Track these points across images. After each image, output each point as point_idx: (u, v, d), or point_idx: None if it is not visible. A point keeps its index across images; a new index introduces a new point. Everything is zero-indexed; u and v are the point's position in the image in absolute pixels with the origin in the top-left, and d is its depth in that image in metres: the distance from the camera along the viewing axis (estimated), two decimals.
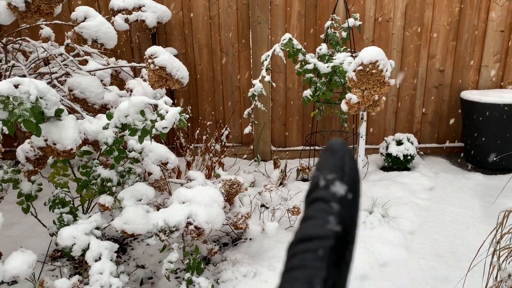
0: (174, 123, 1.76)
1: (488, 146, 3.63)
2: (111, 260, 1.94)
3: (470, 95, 3.64)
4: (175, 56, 3.68)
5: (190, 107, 3.66)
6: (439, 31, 3.81)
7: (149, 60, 2.53)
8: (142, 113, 1.79)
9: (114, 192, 2.19)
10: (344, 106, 2.71)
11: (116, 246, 1.99)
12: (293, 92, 3.97)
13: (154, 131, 1.73)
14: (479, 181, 3.45)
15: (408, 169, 3.74)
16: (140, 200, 2.18)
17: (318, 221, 0.30)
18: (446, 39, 3.83)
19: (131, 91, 3.02)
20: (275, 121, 4.06)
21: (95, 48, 3.06)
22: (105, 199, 2.09)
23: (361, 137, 2.87)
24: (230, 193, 2.29)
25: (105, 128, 2.01)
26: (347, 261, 0.30)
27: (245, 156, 4.02)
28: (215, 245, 2.49)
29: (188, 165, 3.38)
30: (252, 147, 4.08)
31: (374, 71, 2.49)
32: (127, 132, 1.95)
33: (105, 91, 2.76)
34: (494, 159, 3.65)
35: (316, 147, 3.90)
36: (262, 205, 2.96)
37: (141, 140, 1.87)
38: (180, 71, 2.59)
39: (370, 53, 2.48)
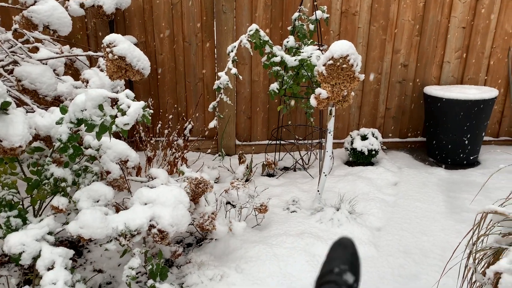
0: (136, 119, 1.61)
1: (449, 141, 3.68)
2: (65, 268, 1.77)
3: (433, 90, 3.67)
4: (134, 45, 3.48)
5: (151, 100, 3.48)
6: (404, 26, 3.81)
7: (107, 49, 2.34)
8: (101, 107, 1.63)
9: (69, 192, 2.01)
10: (313, 101, 2.64)
11: (71, 252, 1.82)
12: (258, 85, 3.87)
13: (114, 127, 1.58)
14: (441, 176, 3.49)
15: (372, 164, 3.74)
16: (97, 201, 2.01)
17: None
18: (410, 34, 3.84)
19: (87, 82, 2.81)
20: (240, 115, 3.95)
21: (47, 35, 2.82)
22: (59, 201, 1.91)
23: (329, 132, 2.81)
24: (196, 193, 2.16)
25: (58, 123, 1.83)
26: None
27: (209, 150, 3.89)
28: (179, 246, 2.37)
29: (149, 160, 3.21)
30: (216, 141, 3.96)
31: (344, 65, 2.43)
32: (83, 127, 1.78)
33: (59, 82, 2.55)
34: (455, 154, 3.71)
35: (282, 142, 3.83)
36: (228, 203, 2.85)
37: (98, 137, 1.71)
38: (141, 61, 2.43)
39: (341, 47, 2.41)
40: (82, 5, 2.97)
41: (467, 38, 3.89)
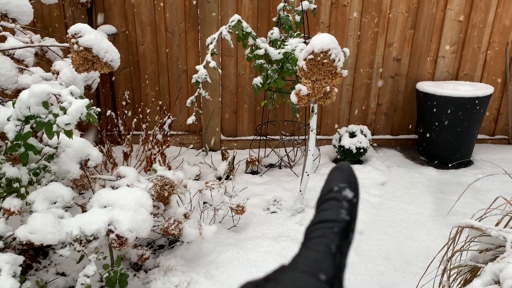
0: (80, 118, 1.48)
1: (441, 139, 3.54)
2: (13, 276, 1.65)
3: (425, 86, 3.52)
4: (114, 34, 3.34)
5: (128, 92, 3.32)
6: (397, 18, 3.64)
7: (73, 40, 2.20)
8: (46, 104, 1.49)
9: (23, 193, 1.88)
10: (293, 98, 2.50)
11: (20, 258, 1.70)
12: (244, 78, 3.72)
13: (55, 127, 1.44)
14: (431, 176, 3.36)
15: (361, 162, 3.60)
16: (54, 203, 1.89)
17: (332, 211, 0.39)
18: (404, 27, 3.68)
19: (58, 73, 2.67)
20: (225, 109, 3.81)
21: (6, 22, 2.67)
22: (11, 203, 1.79)
23: (312, 130, 2.67)
24: (161, 195, 2.03)
25: (9, 119, 1.69)
26: (350, 241, 0.40)
27: (191, 146, 3.75)
28: (148, 249, 2.25)
29: (126, 156, 3.08)
30: (200, 135, 3.82)
31: (325, 60, 2.28)
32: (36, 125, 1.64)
33: (20, 74, 2.41)
34: (447, 153, 3.57)
35: (268, 137, 3.70)
36: (205, 202, 2.73)
37: (49, 135, 1.58)
38: (109, 53, 2.28)
39: (322, 41, 2.26)
40: None
41: (463, 32, 3.72)
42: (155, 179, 2.16)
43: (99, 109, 1.58)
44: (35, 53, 2.81)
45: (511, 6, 3.64)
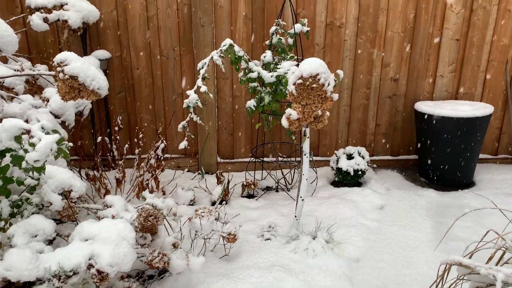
0: (51, 154, 1.44)
1: (442, 160, 3.46)
2: None
3: (424, 106, 3.46)
4: (108, 59, 3.34)
5: (121, 118, 3.29)
6: (393, 38, 3.61)
7: (58, 68, 2.19)
8: (18, 139, 1.46)
9: (4, 227, 1.84)
10: (284, 122, 2.45)
11: None
12: (240, 100, 3.69)
13: (24, 163, 1.41)
14: (431, 199, 3.27)
15: (360, 184, 3.53)
16: (35, 236, 1.84)
17: None
18: (400, 47, 3.64)
19: (48, 100, 2.66)
20: (221, 131, 3.77)
21: None
22: None
23: (305, 154, 2.61)
24: (145, 227, 1.98)
25: None
26: None
27: (187, 169, 3.71)
28: (135, 281, 2.18)
29: (118, 182, 3.04)
30: (197, 158, 3.78)
31: (314, 85, 2.24)
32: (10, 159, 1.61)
33: (10, 102, 2.40)
34: (448, 174, 3.49)
35: (265, 159, 3.65)
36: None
37: (25, 169, 1.54)
38: (96, 80, 2.26)
39: (311, 66, 2.22)
40: (46, 20, 2.83)
41: (462, 50, 3.67)
42: (140, 209, 2.11)
43: (71, 144, 1.55)
44: (26, 80, 2.81)
45: (509, 25, 3.60)
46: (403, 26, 3.58)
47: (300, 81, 2.26)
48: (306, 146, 2.60)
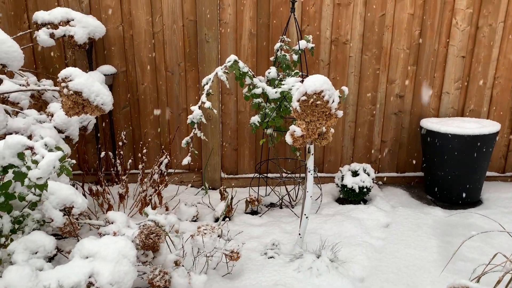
0: (53, 171, 1.43)
1: (448, 178, 3.42)
2: None
3: (429, 123, 3.43)
4: (113, 74, 3.36)
5: (124, 133, 3.29)
6: (399, 55, 3.60)
7: (63, 84, 2.20)
8: (21, 156, 1.45)
9: (4, 243, 1.83)
10: (288, 139, 2.44)
11: None
12: (245, 115, 3.69)
13: (27, 181, 1.40)
14: (438, 217, 3.22)
15: (365, 201, 3.49)
16: (36, 253, 1.82)
17: None
18: (406, 63, 3.63)
19: (52, 115, 2.67)
20: (225, 146, 3.76)
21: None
22: None
23: (309, 171, 2.59)
24: (147, 244, 1.95)
25: None
26: None
27: (190, 184, 3.69)
28: None
29: (121, 198, 3.02)
30: (201, 173, 3.76)
31: (318, 102, 2.23)
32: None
33: (14, 117, 2.40)
34: (454, 192, 3.44)
35: (269, 175, 3.62)
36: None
37: (28, 186, 1.53)
38: (100, 96, 2.27)
39: (315, 83, 2.22)
40: (52, 35, 2.85)
41: (468, 67, 3.66)
42: (142, 226, 2.09)
43: (74, 161, 1.54)
44: (32, 95, 2.82)
45: None
46: (408, 43, 3.58)
47: (304, 98, 2.25)
48: (310, 163, 2.57)
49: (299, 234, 2.72)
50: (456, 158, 3.32)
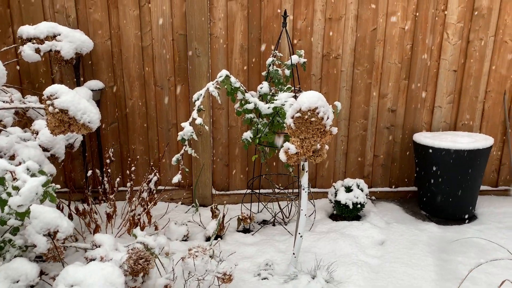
0: (36, 198, 1.34)
1: (442, 193, 3.38)
2: None
3: (422, 138, 3.40)
4: (101, 89, 3.28)
5: (112, 150, 3.19)
6: (390, 69, 3.58)
7: (48, 102, 2.11)
8: (1, 181, 1.36)
9: None
10: (282, 156, 2.37)
11: None
12: (236, 130, 3.62)
13: (7, 209, 1.31)
14: (433, 234, 3.17)
15: (359, 218, 3.43)
16: (17, 282, 1.72)
17: None
18: (397, 77, 3.61)
19: (37, 133, 2.57)
20: (216, 162, 3.68)
21: None
22: None
23: (303, 189, 2.53)
24: (135, 270, 1.86)
25: None
26: None
27: (180, 202, 3.59)
28: None
29: (109, 217, 2.92)
30: (191, 190, 3.67)
31: (313, 119, 2.17)
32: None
33: (2, 134, 2.31)
34: (449, 207, 3.40)
35: (261, 191, 3.55)
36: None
37: (9, 213, 1.44)
38: (87, 114, 2.19)
39: (309, 99, 2.16)
40: (38, 51, 2.77)
41: (459, 81, 3.65)
42: (130, 250, 1.99)
43: (58, 186, 1.45)
44: (16, 112, 2.72)
45: (506, 56, 3.59)
46: (400, 57, 3.56)
47: (298, 114, 2.20)
48: (304, 180, 2.51)
49: (293, 253, 2.64)
50: (450, 173, 3.29)
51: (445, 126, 3.74)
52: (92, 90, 3.17)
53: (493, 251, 2.92)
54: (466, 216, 3.43)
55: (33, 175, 1.39)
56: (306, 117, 2.18)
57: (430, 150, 3.31)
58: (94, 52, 3.31)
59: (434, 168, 3.34)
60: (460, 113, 3.71)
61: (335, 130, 2.28)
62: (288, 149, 2.31)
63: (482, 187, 3.80)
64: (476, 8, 3.48)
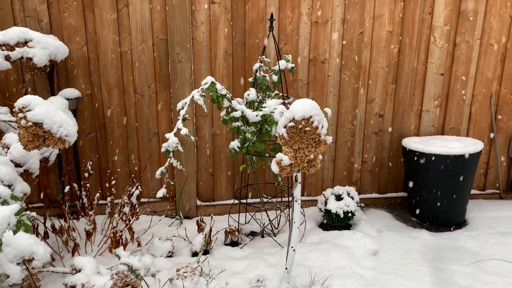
0: (8, 229, 1.18)
1: (433, 199, 3.32)
2: None
3: (412, 143, 3.34)
4: (78, 98, 3.09)
5: (91, 163, 3.00)
6: (378, 73, 3.51)
7: (20, 114, 1.94)
8: None
9: None
10: (274, 168, 2.25)
11: None
12: (221, 138, 3.48)
13: None
14: (425, 241, 3.10)
15: (350, 226, 3.33)
16: None
17: None
18: (385, 82, 3.54)
19: (8, 148, 2.38)
20: (201, 172, 3.53)
21: None
22: None
23: (296, 201, 2.41)
24: None
25: None
26: None
27: (164, 215, 3.43)
28: None
29: (88, 235, 2.74)
30: (174, 202, 3.51)
31: (307, 128, 2.06)
32: None
33: None
34: (440, 213, 3.34)
35: (249, 201, 3.42)
36: None
37: None
38: (64, 127, 2.02)
39: (303, 107, 2.05)
40: (8, 58, 2.57)
41: (447, 85, 3.60)
42: (115, 274, 1.83)
43: (34, 214, 1.29)
44: None
45: (492, 59, 3.57)
46: (387, 61, 3.49)
47: (292, 123, 2.08)
48: (297, 192, 2.39)
49: (286, 268, 2.52)
50: (441, 179, 3.23)
51: (433, 130, 3.69)
52: (67, 99, 2.98)
53: (488, 258, 2.86)
54: (457, 222, 3.38)
55: (4, 202, 1.22)
56: (300, 126, 2.06)
57: (421, 156, 3.25)
58: (69, 58, 3.12)
59: (425, 174, 3.28)
60: (448, 117, 3.67)
61: (329, 139, 2.17)
62: (281, 160, 2.19)
63: (471, 191, 3.77)
64: (463, 11, 3.44)
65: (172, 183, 2.63)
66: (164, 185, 2.59)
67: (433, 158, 3.19)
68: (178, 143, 2.50)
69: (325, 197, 3.32)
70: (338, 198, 3.26)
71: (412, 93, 3.59)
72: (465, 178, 3.25)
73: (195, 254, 2.94)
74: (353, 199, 3.27)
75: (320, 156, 2.28)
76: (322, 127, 2.11)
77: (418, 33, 3.46)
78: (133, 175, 3.40)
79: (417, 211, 3.46)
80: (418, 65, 3.53)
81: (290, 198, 3.31)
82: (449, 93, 3.62)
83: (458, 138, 3.48)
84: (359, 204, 3.39)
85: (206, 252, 2.96)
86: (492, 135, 3.72)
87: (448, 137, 3.55)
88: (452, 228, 3.31)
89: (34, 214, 1.39)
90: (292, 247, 2.47)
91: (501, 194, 3.86)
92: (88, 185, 2.89)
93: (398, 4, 3.38)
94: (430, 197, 3.32)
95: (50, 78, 3.04)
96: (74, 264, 1.96)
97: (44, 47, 2.66)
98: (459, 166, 3.18)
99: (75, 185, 2.95)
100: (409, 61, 3.51)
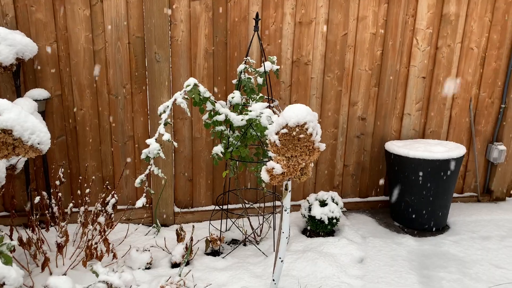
0: None
1: (416, 204, 3.29)
2: None
3: (395, 147, 3.30)
4: (46, 99, 2.87)
5: (62, 170, 2.78)
6: (361, 76, 3.45)
7: None
8: None
9: None
10: (265, 176, 2.13)
11: None
12: (201, 142, 3.33)
13: None
14: (411, 247, 3.06)
15: (333, 232, 3.26)
16: None
17: None
18: (368, 84, 3.48)
19: None
20: (179, 177, 3.37)
21: None
22: None
23: (285, 210, 2.29)
24: None
25: None
26: None
27: (141, 223, 3.25)
28: None
29: (60, 248, 2.53)
30: (151, 209, 3.33)
31: (302, 135, 1.95)
32: None
33: None
34: (423, 218, 3.32)
35: (230, 208, 3.29)
36: None
37: None
38: (36, 133, 1.84)
39: (297, 113, 1.94)
40: None
41: (428, 88, 3.59)
42: None
43: (14, 243, 1.12)
44: None
45: (472, 63, 3.58)
46: (370, 64, 3.44)
47: (285, 130, 1.97)
48: (287, 201, 2.28)
49: (273, 280, 2.41)
50: (425, 183, 3.20)
51: (414, 134, 3.67)
52: (36, 100, 2.75)
53: (473, 263, 2.85)
54: (440, 227, 3.37)
55: None
56: (294, 133, 1.95)
57: (405, 161, 3.21)
58: (37, 56, 2.89)
59: (409, 179, 3.25)
60: (429, 120, 3.66)
61: (323, 146, 2.07)
62: (273, 168, 2.07)
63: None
64: (445, 14, 3.43)
65: (152, 192, 2.47)
66: (144, 194, 2.42)
67: (417, 162, 3.16)
68: (160, 150, 2.35)
69: (309, 203, 3.23)
70: (323, 204, 3.18)
71: (394, 96, 3.55)
72: (447, 183, 3.24)
73: (174, 265, 2.78)
74: (337, 204, 3.20)
75: (312, 164, 2.18)
76: (317, 134, 2.00)
77: (401, 36, 3.42)
78: (107, 182, 3.20)
79: (400, 216, 3.43)
80: (400, 68, 3.50)
81: (274, 204, 3.21)
82: (430, 97, 3.61)
83: (440, 142, 3.46)
84: (343, 210, 3.33)
85: (187, 263, 2.81)
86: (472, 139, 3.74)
87: (430, 140, 3.54)
88: (435, 233, 3.30)
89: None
90: (280, 258, 2.36)
91: (478, 197, 3.89)
92: (59, 194, 2.67)
93: (382, 6, 3.32)
94: (413, 202, 3.30)
95: (16, 78, 2.80)
96: (48, 286, 1.78)
97: (11, 44, 2.44)
98: (443, 170, 3.16)
99: (44, 193, 2.72)
100: (392, 64, 3.47)
